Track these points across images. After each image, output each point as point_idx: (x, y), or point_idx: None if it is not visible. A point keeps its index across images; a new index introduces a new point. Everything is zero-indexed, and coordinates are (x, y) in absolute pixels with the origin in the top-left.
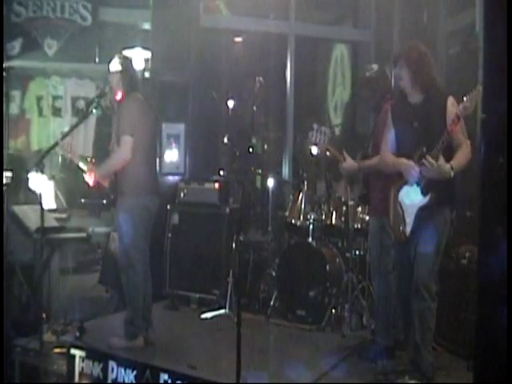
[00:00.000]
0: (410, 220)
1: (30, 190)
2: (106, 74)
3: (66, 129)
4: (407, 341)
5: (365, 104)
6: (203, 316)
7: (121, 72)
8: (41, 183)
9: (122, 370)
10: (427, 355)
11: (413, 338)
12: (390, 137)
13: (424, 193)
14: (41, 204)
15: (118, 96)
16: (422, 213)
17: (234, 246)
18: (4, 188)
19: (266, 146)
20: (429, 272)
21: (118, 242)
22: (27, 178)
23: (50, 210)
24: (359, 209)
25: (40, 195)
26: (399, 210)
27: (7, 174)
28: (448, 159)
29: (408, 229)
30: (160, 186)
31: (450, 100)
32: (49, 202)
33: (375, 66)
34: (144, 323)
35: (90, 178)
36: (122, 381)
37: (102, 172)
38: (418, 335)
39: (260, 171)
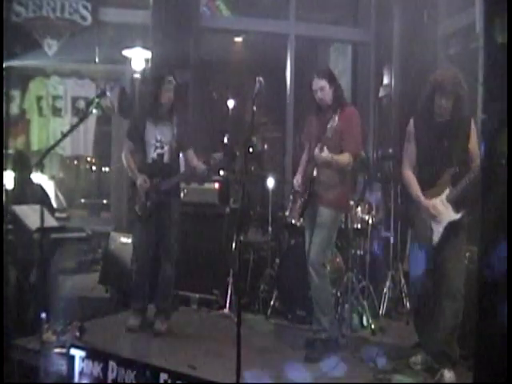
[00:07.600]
0: (438, 230)
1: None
2: (106, 74)
3: (66, 129)
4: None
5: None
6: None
7: None
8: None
9: (122, 370)
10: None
11: (443, 336)
12: (411, 152)
13: (456, 210)
14: (41, 204)
15: None
16: (453, 226)
17: (233, 246)
18: (4, 188)
19: (266, 146)
20: (462, 275)
21: None
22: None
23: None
24: (359, 209)
25: (40, 195)
26: (426, 220)
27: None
28: None
29: (435, 237)
30: None
31: (472, 121)
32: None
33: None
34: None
35: None
36: (121, 381)
37: None
38: (448, 334)
39: (260, 171)
